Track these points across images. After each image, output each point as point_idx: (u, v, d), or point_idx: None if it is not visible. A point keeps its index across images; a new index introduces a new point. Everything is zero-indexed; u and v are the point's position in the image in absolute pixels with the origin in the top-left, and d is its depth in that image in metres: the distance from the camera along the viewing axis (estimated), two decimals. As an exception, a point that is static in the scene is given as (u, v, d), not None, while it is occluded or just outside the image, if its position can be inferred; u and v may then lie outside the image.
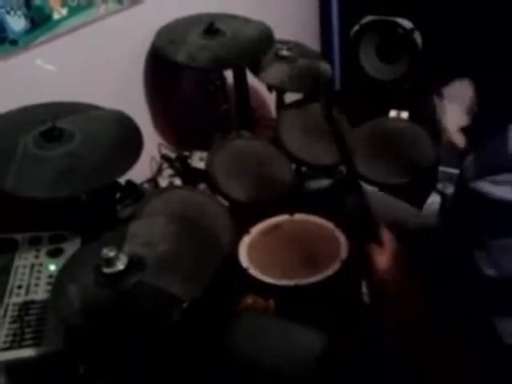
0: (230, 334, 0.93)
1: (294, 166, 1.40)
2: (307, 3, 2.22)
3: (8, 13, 1.10)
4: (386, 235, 0.86)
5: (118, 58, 1.40)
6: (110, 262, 0.86)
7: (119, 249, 0.88)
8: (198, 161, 1.48)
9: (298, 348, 0.88)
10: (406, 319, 0.75)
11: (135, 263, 0.88)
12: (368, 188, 1.37)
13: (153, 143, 1.54)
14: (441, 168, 1.94)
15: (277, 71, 1.50)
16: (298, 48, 1.60)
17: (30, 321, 0.94)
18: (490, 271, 0.64)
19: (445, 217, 1.53)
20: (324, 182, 1.45)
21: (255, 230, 1.17)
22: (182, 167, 1.50)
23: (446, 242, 0.82)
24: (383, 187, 1.41)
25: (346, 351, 0.87)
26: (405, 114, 1.76)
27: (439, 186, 1.90)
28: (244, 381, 0.88)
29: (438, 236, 0.93)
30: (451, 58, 1.87)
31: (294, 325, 0.93)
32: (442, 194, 1.84)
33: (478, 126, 0.82)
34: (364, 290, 0.96)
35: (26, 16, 1.13)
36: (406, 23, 2.00)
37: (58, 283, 0.92)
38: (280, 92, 1.59)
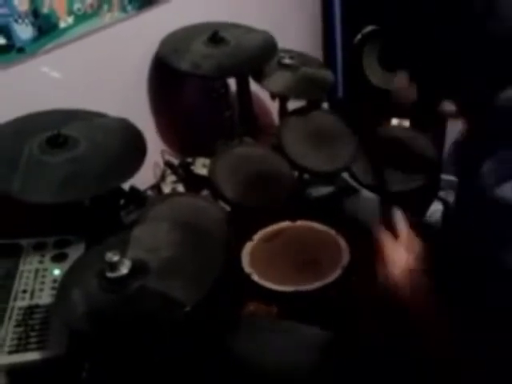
0: (232, 338, 0.94)
1: (296, 173, 1.41)
2: (310, 13, 2.24)
3: (16, 21, 1.11)
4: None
5: (122, 66, 1.42)
6: (113, 266, 0.87)
7: (123, 253, 0.89)
8: (201, 167, 1.49)
9: (300, 350, 0.88)
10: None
11: (138, 268, 0.89)
12: (368, 195, 1.38)
13: (156, 150, 1.55)
14: (443, 176, 1.94)
15: (280, 79, 1.52)
16: (300, 56, 1.62)
17: (35, 325, 0.95)
18: None
19: (448, 226, 1.52)
20: (326, 189, 1.46)
21: (257, 237, 1.17)
22: (185, 174, 1.51)
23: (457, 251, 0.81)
24: (385, 195, 1.41)
25: (348, 352, 0.87)
26: (406, 123, 1.76)
27: (442, 194, 1.90)
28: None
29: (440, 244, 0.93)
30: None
31: (296, 327, 0.94)
32: (445, 202, 1.84)
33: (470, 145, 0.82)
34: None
35: (33, 24, 1.15)
36: (408, 32, 2.01)
37: (63, 288, 0.93)
38: (283, 100, 1.60)
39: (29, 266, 1.06)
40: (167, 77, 1.53)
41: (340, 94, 2.36)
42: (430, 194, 1.82)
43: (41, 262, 1.07)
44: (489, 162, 0.69)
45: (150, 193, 1.47)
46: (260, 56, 1.47)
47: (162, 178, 1.52)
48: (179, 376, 0.91)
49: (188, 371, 0.91)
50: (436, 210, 1.79)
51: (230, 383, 0.89)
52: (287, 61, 1.54)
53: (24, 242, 1.11)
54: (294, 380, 0.87)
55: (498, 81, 0.70)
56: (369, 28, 2.08)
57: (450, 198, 1.87)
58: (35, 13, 1.14)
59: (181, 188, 1.48)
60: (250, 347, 0.93)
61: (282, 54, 1.54)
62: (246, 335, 0.96)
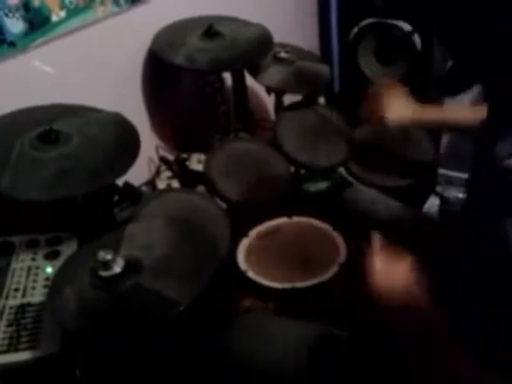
0: (228, 335, 0.93)
1: (292, 169, 1.40)
2: (306, 6, 2.23)
3: (6, 15, 1.09)
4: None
5: (116, 61, 1.40)
6: (106, 265, 0.86)
7: (116, 252, 0.88)
8: (196, 163, 1.48)
9: (296, 347, 0.88)
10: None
11: (132, 266, 0.88)
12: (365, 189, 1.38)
13: (151, 145, 1.53)
14: (440, 170, 1.94)
15: (275, 73, 1.50)
16: (296, 50, 1.60)
17: (27, 324, 0.93)
18: None
19: (446, 217, 1.53)
20: (322, 185, 1.45)
21: (253, 233, 1.17)
22: (180, 169, 1.50)
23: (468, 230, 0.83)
24: (382, 189, 1.41)
25: (345, 350, 0.87)
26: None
27: (438, 188, 1.90)
28: (243, 381, 0.88)
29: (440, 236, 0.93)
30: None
31: (293, 324, 0.93)
32: (441, 197, 1.84)
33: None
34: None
35: (24, 18, 1.12)
36: (405, 26, 2.00)
37: (55, 286, 0.92)
38: (279, 94, 1.59)
39: (21, 263, 1.05)
40: (162, 71, 1.51)
41: (336, 88, 2.35)
42: (426, 188, 1.82)
43: (33, 259, 1.05)
44: (501, 142, 0.77)
45: (144, 189, 1.46)
46: (256, 50, 1.46)
47: (157, 173, 1.50)
48: (174, 374, 0.90)
49: (183, 370, 0.90)
50: (433, 204, 1.79)
51: (227, 382, 0.89)
52: (283, 55, 1.53)
53: (16, 239, 1.09)
54: (292, 378, 0.86)
55: None
56: (365, 22, 2.06)
57: (447, 192, 1.87)
58: (26, 6, 1.12)
59: (176, 184, 1.46)
60: (247, 345, 0.92)
61: (277, 48, 1.53)
62: (242, 333, 0.95)
